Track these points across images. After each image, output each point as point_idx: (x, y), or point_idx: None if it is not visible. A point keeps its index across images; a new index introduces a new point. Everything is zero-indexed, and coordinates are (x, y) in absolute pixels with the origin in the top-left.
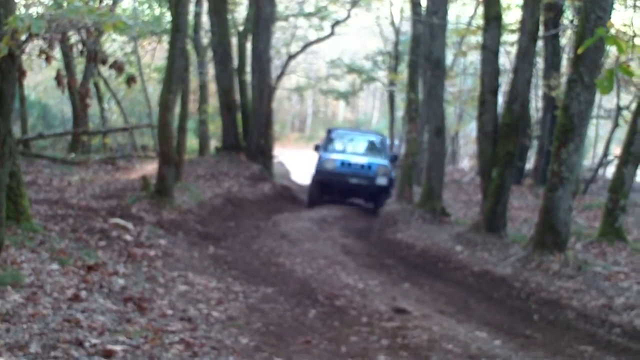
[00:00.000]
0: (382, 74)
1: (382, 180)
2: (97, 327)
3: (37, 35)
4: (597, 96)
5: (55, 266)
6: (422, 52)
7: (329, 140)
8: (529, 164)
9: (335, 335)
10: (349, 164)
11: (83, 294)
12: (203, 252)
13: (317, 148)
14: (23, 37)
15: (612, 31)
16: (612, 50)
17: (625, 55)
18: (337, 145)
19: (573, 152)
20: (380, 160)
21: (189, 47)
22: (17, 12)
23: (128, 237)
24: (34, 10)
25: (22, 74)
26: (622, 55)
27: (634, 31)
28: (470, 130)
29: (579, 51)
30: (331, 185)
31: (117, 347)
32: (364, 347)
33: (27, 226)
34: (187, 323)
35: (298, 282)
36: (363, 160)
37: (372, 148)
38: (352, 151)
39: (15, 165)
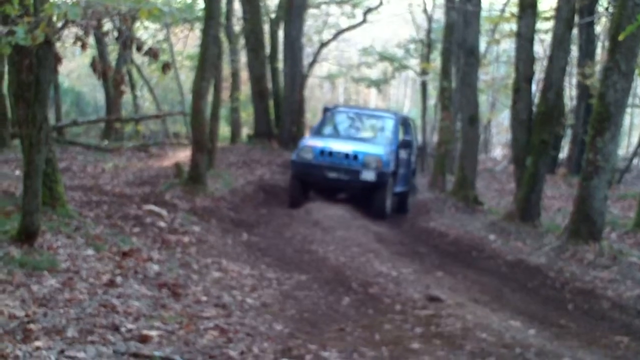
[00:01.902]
0: (414, 62)
1: (368, 175)
2: (133, 312)
3: (73, 22)
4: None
5: (90, 252)
6: (456, 39)
7: (323, 121)
8: (563, 153)
9: (369, 323)
10: (330, 153)
11: (118, 279)
12: (236, 239)
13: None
14: (59, 24)
15: None
16: None
17: None
18: (330, 128)
19: (609, 141)
20: (374, 149)
21: (221, 34)
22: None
23: (162, 224)
24: None
25: (58, 60)
26: None
27: None
28: (502, 118)
29: (620, 38)
30: (308, 181)
31: (153, 332)
32: (398, 335)
33: (62, 212)
34: (222, 309)
35: (331, 270)
36: (349, 147)
37: (374, 132)
38: (345, 136)
39: (51, 151)
